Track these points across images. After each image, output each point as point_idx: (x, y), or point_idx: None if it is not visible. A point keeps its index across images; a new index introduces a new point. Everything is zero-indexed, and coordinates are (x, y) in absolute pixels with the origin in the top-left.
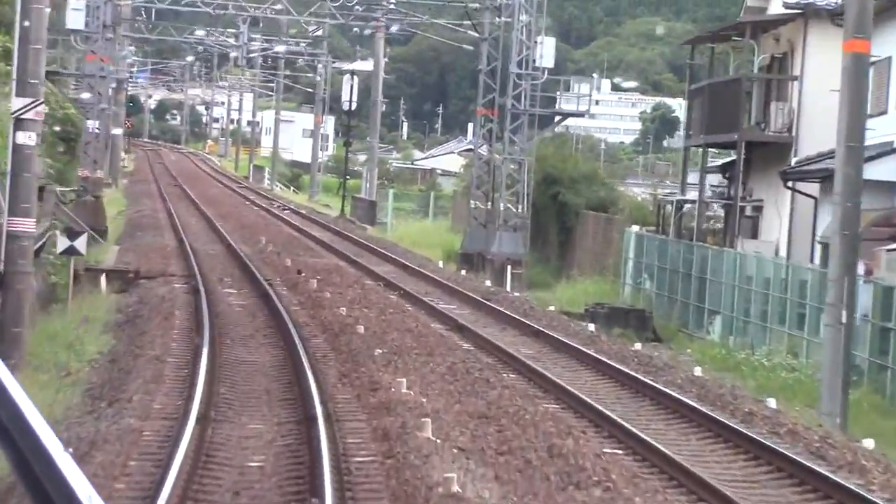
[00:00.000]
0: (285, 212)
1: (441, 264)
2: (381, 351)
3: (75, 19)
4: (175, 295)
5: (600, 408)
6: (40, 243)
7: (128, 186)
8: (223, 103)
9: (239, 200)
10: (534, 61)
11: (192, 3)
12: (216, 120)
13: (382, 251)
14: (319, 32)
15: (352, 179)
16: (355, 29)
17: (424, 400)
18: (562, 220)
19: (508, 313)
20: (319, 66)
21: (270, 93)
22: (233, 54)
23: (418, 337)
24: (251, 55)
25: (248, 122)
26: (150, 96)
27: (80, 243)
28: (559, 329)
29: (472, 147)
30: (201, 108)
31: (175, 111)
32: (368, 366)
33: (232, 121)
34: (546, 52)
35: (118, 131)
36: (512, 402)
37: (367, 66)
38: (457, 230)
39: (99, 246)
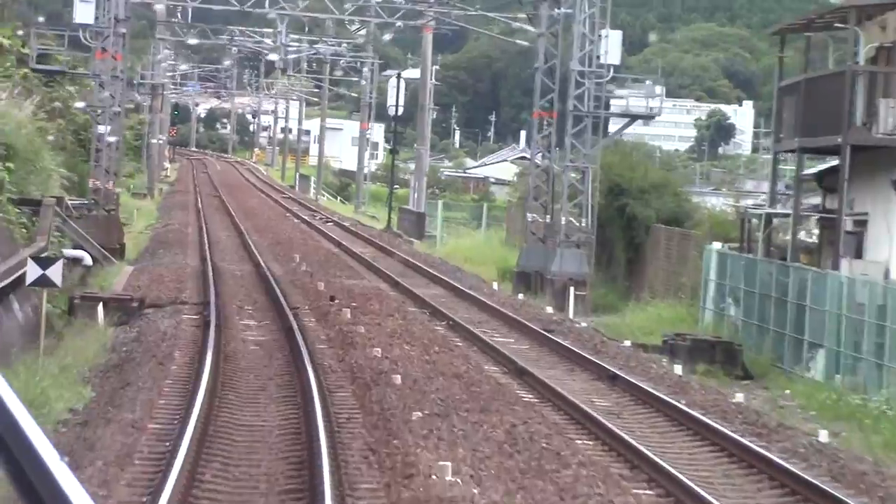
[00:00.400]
0: (327, 224)
1: (496, 286)
2: (420, 414)
3: (84, 12)
4: (181, 330)
5: (710, 499)
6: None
7: (165, 197)
8: (272, 112)
9: (279, 212)
10: (598, 57)
11: (226, 2)
12: (265, 128)
13: (430, 270)
14: (363, 32)
15: (401, 189)
16: (398, 23)
17: (476, 490)
18: (630, 234)
19: (576, 350)
20: (365, 69)
21: (319, 100)
22: (270, 56)
23: (469, 386)
24: (290, 56)
25: (294, 131)
26: (196, 104)
27: (55, 272)
28: (638, 370)
29: (525, 155)
30: (251, 117)
31: (225, 120)
32: (404, 436)
33: (282, 129)
34: (612, 46)
35: (160, 139)
36: (592, 489)
37: (417, 73)
38: (512, 244)
39: (110, 267)
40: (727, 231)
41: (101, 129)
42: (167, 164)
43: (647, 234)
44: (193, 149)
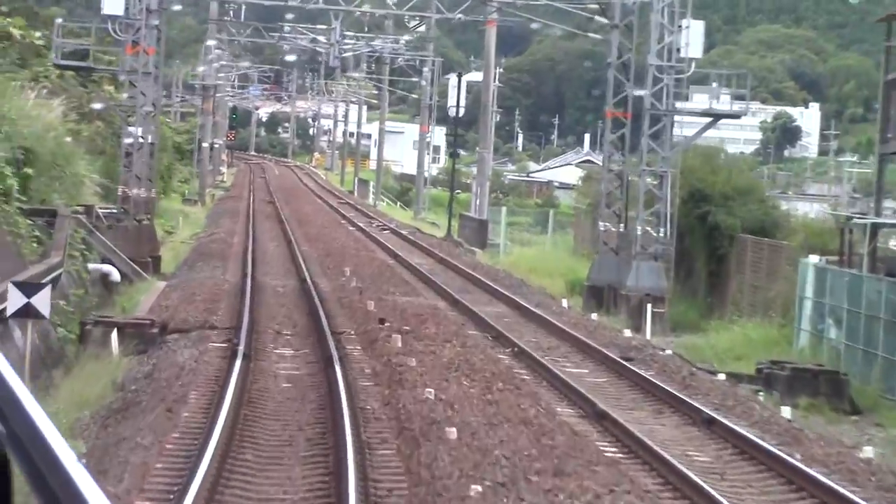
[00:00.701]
0: (384, 233)
1: (565, 303)
2: (479, 488)
3: (113, 3)
4: (203, 363)
5: None
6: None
7: (217, 203)
8: (332, 115)
9: (334, 219)
10: (678, 50)
11: None
12: (326, 132)
13: (492, 285)
14: (423, 28)
15: (463, 193)
16: (459, 16)
17: None
18: (712, 245)
19: (662, 385)
20: (425, 69)
21: (379, 102)
22: (325, 54)
23: (539, 436)
24: (346, 54)
25: (353, 134)
26: (256, 108)
27: (41, 300)
28: (737, 412)
29: (590, 158)
30: (312, 121)
31: (287, 124)
32: None
33: (342, 133)
34: (693, 38)
35: (215, 143)
36: None
37: (479, 77)
38: (580, 254)
39: (141, 283)
40: (824, 242)
41: (132, 130)
42: (223, 169)
43: (732, 245)
44: (253, 153)
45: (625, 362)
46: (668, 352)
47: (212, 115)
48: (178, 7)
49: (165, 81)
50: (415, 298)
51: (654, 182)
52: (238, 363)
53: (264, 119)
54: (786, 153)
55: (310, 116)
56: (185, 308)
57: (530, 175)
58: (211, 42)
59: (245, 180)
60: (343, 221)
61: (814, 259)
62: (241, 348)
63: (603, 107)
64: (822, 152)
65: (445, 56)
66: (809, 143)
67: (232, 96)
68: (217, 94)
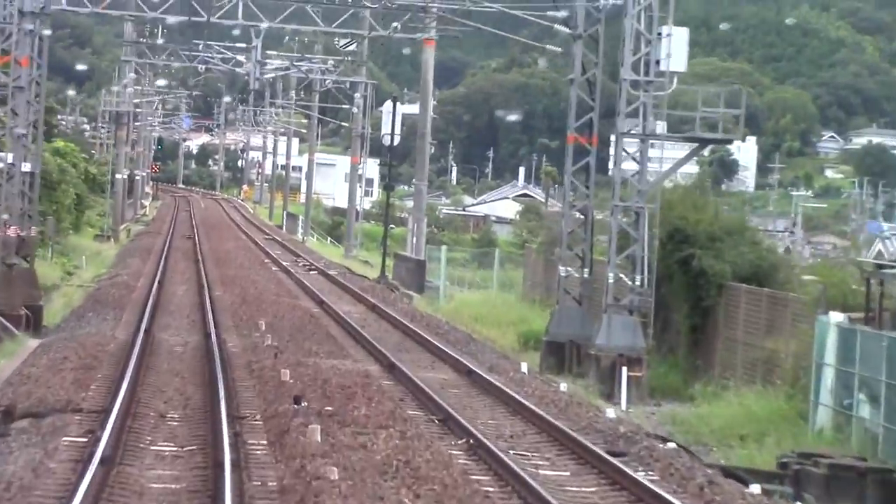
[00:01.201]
0: (311, 273)
1: (524, 367)
2: None
3: None
4: (42, 474)
5: None
6: None
7: (132, 240)
8: (261, 148)
9: (257, 258)
10: (657, 63)
11: (194, 12)
12: (256, 164)
13: (435, 341)
14: (354, 47)
15: (397, 228)
16: (394, 32)
17: None
18: (696, 295)
19: (674, 501)
20: (357, 94)
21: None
22: (246, 74)
23: None
24: (268, 75)
25: (283, 166)
26: (184, 139)
27: None
28: None
29: (527, 192)
30: (242, 153)
31: (217, 156)
32: None
33: (280, 166)
34: (676, 48)
35: (135, 175)
36: None
37: (414, 109)
38: (531, 299)
39: (8, 342)
40: (843, 295)
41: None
42: (146, 203)
43: (720, 295)
44: (181, 186)
45: (615, 460)
46: (672, 445)
47: (126, 144)
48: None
49: (92, 113)
50: (342, 361)
51: (629, 220)
52: (91, 474)
53: (195, 151)
54: (723, 187)
55: (240, 148)
56: (50, 379)
57: (466, 209)
58: (125, 62)
59: (168, 214)
60: (267, 261)
61: (837, 317)
62: (100, 447)
63: (537, 140)
64: (759, 186)
65: (378, 88)
66: (746, 177)
67: (156, 126)
68: (138, 123)
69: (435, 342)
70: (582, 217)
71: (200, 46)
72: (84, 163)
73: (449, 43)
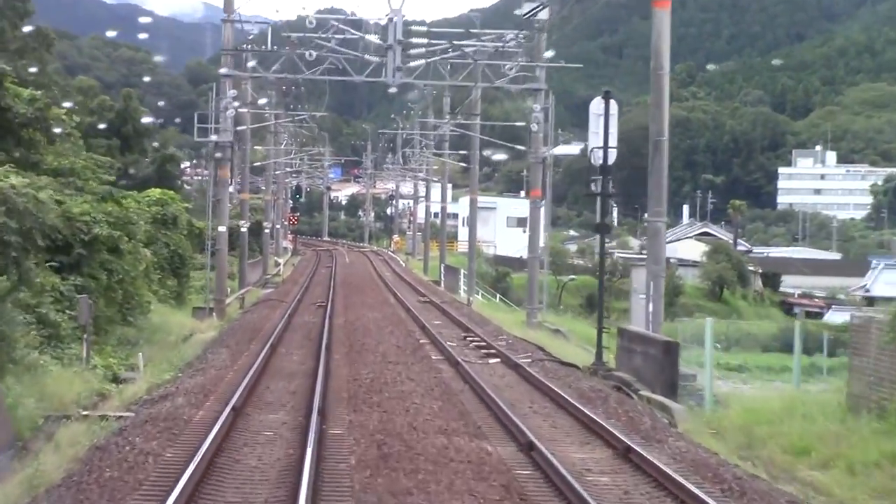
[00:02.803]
0: (490, 364)
1: None
2: None
3: None
4: None
5: None
6: None
7: (244, 314)
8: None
9: (410, 338)
10: None
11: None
12: (406, 212)
13: None
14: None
15: (579, 279)
16: None
17: None
18: None
19: None
20: (535, 106)
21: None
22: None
23: None
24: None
25: (439, 212)
26: (328, 188)
27: None
28: None
29: (707, 230)
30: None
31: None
32: None
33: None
34: None
35: (267, 226)
36: None
37: (570, 149)
38: (869, 409)
39: None
40: None
41: None
42: (280, 260)
43: None
44: (326, 238)
45: None
46: None
47: (231, 184)
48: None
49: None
50: None
51: None
52: None
53: (343, 202)
54: None
55: (389, 195)
56: None
57: (644, 252)
58: (222, 73)
59: (304, 272)
60: (423, 341)
61: None
62: None
63: (700, 176)
64: None
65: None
66: None
67: (297, 174)
68: (277, 172)
69: None
70: None
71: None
72: (185, 211)
73: (601, 81)
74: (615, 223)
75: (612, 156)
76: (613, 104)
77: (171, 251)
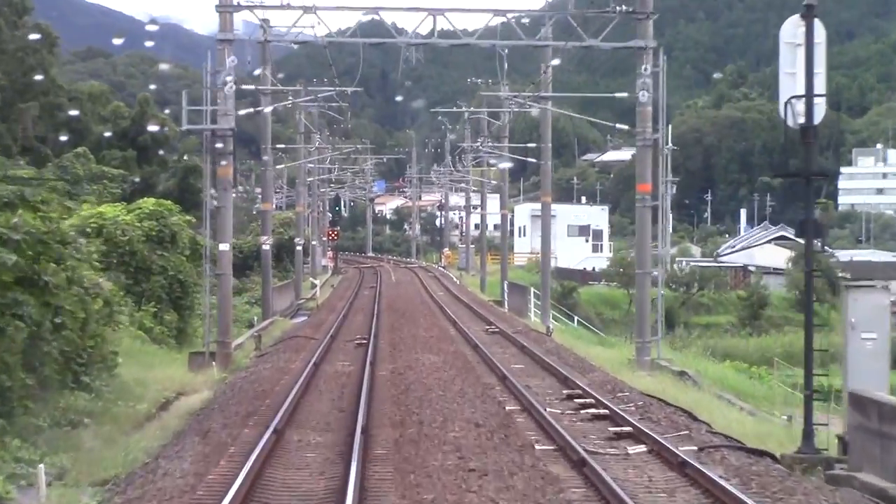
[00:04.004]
0: (633, 452)
1: None
2: None
3: None
4: None
5: None
6: None
7: (257, 357)
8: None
9: (483, 393)
10: None
11: None
12: (456, 226)
13: None
14: None
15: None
16: None
17: None
18: None
19: None
20: (644, 68)
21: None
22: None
23: None
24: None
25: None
26: (371, 200)
27: None
28: None
29: (784, 233)
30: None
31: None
32: None
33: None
34: None
35: (299, 243)
36: None
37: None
38: None
39: None
40: None
41: None
42: (316, 282)
43: None
44: (370, 254)
45: None
46: None
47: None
48: None
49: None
50: None
51: None
52: None
53: (388, 215)
54: None
55: (436, 206)
56: None
57: (719, 259)
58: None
59: (344, 296)
60: (512, 407)
61: None
62: None
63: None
64: None
65: (579, 135)
66: None
67: (338, 186)
68: (310, 179)
69: None
70: None
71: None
72: (187, 226)
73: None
74: (670, 229)
75: (820, 112)
76: (819, 28)
77: (171, 277)
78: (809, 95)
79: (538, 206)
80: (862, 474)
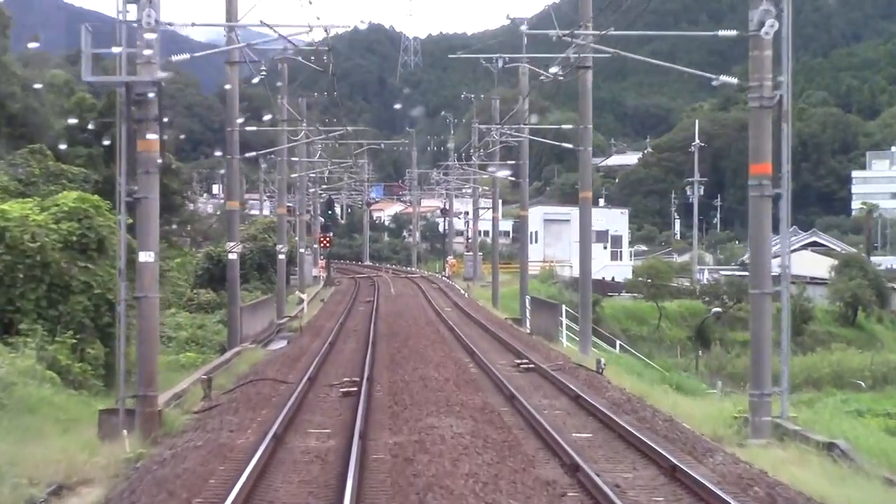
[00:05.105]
0: None
1: None
2: None
3: None
4: None
5: None
6: None
7: (197, 422)
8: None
9: (541, 485)
10: None
11: None
12: (459, 233)
13: None
14: None
15: (676, 303)
16: None
17: None
18: None
19: None
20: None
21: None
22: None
23: None
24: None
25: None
26: (368, 204)
27: None
28: None
29: (816, 239)
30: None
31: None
32: None
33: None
34: None
35: (282, 251)
36: None
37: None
38: None
39: None
40: None
41: None
42: (303, 297)
43: None
44: (367, 263)
45: None
46: None
47: (161, 157)
48: None
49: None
50: None
51: None
52: None
53: (387, 222)
54: None
55: (437, 212)
56: None
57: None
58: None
59: (335, 313)
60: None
61: None
62: None
63: None
64: None
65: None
66: None
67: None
68: (297, 175)
69: None
70: None
71: None
72: (115, 229)
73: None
74: (677, 236)
75: None
76: None
77: (97, 297)
78: None
79: (552, 209)
80: None
